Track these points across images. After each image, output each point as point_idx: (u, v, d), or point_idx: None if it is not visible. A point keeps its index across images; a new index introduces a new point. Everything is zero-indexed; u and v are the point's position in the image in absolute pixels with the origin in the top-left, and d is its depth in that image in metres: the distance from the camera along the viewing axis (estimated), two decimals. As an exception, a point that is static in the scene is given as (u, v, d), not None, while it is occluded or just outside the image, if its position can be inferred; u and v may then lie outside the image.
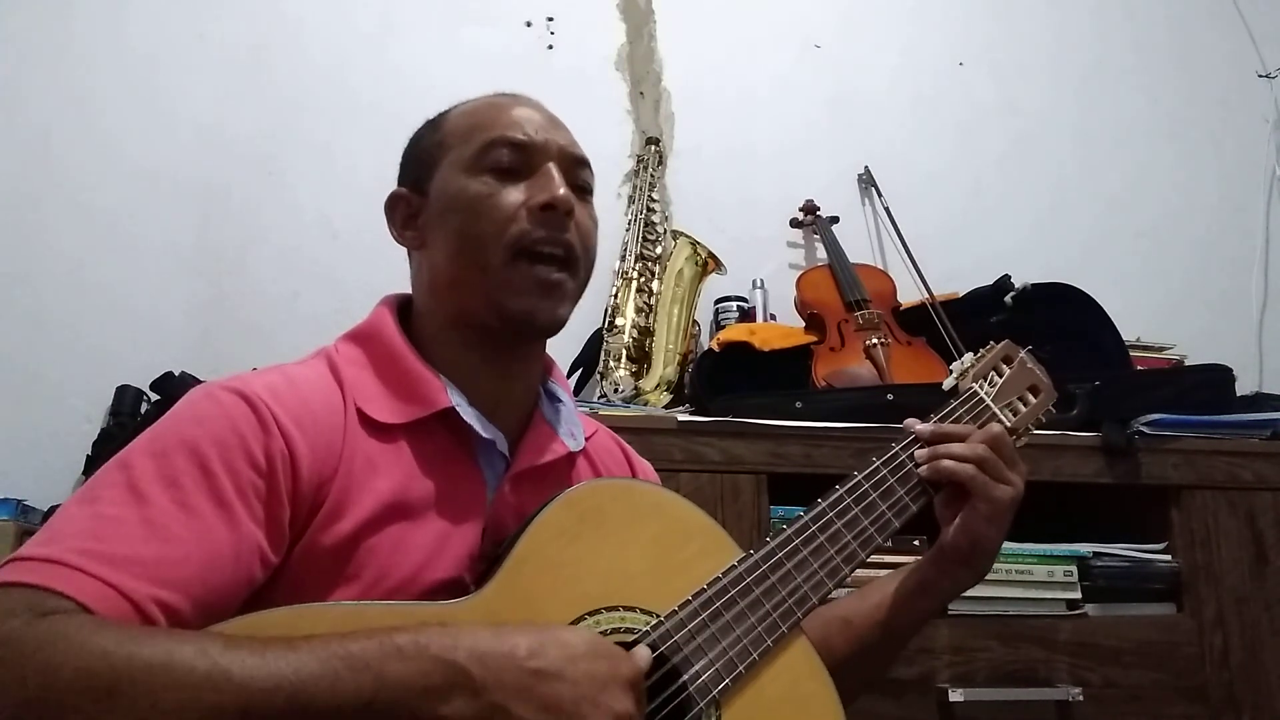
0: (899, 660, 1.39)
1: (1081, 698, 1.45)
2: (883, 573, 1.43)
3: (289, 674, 0.63)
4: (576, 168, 0.96)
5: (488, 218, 0.90)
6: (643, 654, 0.78)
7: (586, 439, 1.03)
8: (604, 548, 0.85)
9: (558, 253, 0.91)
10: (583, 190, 0.97)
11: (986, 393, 1.10)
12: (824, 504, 0.96)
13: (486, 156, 0.93)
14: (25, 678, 0.60)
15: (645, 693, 0.77)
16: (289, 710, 0.62)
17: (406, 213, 0.98)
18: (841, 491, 0.98)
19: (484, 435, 0.90)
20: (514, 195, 0.91)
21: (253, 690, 0.62)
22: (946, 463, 0.99)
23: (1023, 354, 1.17)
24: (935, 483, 1.00)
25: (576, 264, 0.94)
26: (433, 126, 1.00)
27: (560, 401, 1.02)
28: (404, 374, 0.91)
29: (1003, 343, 1.17)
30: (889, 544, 1.00)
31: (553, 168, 0.93)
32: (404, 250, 1.02)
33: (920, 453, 1.01)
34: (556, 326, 0.94)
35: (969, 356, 1.14)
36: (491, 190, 0.91)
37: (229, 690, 0.62)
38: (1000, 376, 1.13)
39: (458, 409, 0.89)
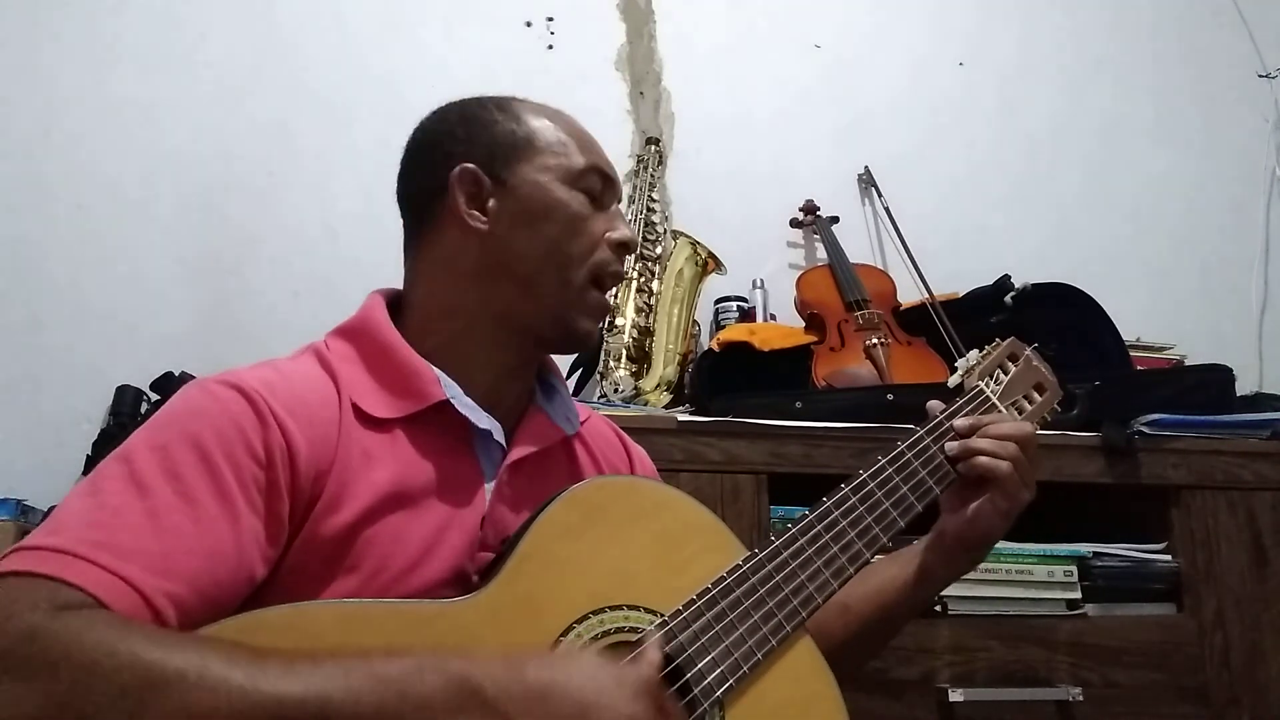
0: (898, 657, 1.41)
1: (1081, 698, 1.44)
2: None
3: (316, 687, 0.65)
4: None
5: (581, 238, 0.95)
6: (650, 651, 0.78)
7: (580, 424, 1.04)
8: (608, 546, 0.86)
9: (612, 287, 1.01)
10: None
11: (992, 390, 1.10)
12: (828, 503, 0.96)
13: (585, 179, 0.96)
14: (58, 675, 0.61)
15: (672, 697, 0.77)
16: None
17: (477, 193, 0.94)
18: (846, 490, 0.98)
19: (480, 426, 0.91)
20: (599, 224, 0.97)
21: (281, 702, 0.63)
22: (982, 460, 1.01)
23: (1028, 352, 1.17)
24: (967, 476, 1.02)
25: None
26: (509, 116, 0.98)
27: (555, 389, 1.04)
28: (397, 368, 0.91)
29: (1008, 340, 1.17)
30: (891, 545, 0.99)
31: (619, 209, 1.00)
32: (402, 250, 1.01)
33: (952, 445, 1.03)
34: (593, 346, 1.01)
35: (974, 354, 1.14)
36: (587, 214, 0.96)
37: (258, 700, 0.63)
38: (1005, 374, 1.13)
39: (452, 401, 0.90)
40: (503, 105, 0.99)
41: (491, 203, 0.94)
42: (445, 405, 0.90)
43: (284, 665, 0.65)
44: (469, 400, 0.91)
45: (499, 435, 0.93)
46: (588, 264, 0.94)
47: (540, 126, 0.97)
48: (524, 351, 0.98)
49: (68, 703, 0.60)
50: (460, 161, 0.95)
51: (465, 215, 0.94)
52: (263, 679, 0.64)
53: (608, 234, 0.96)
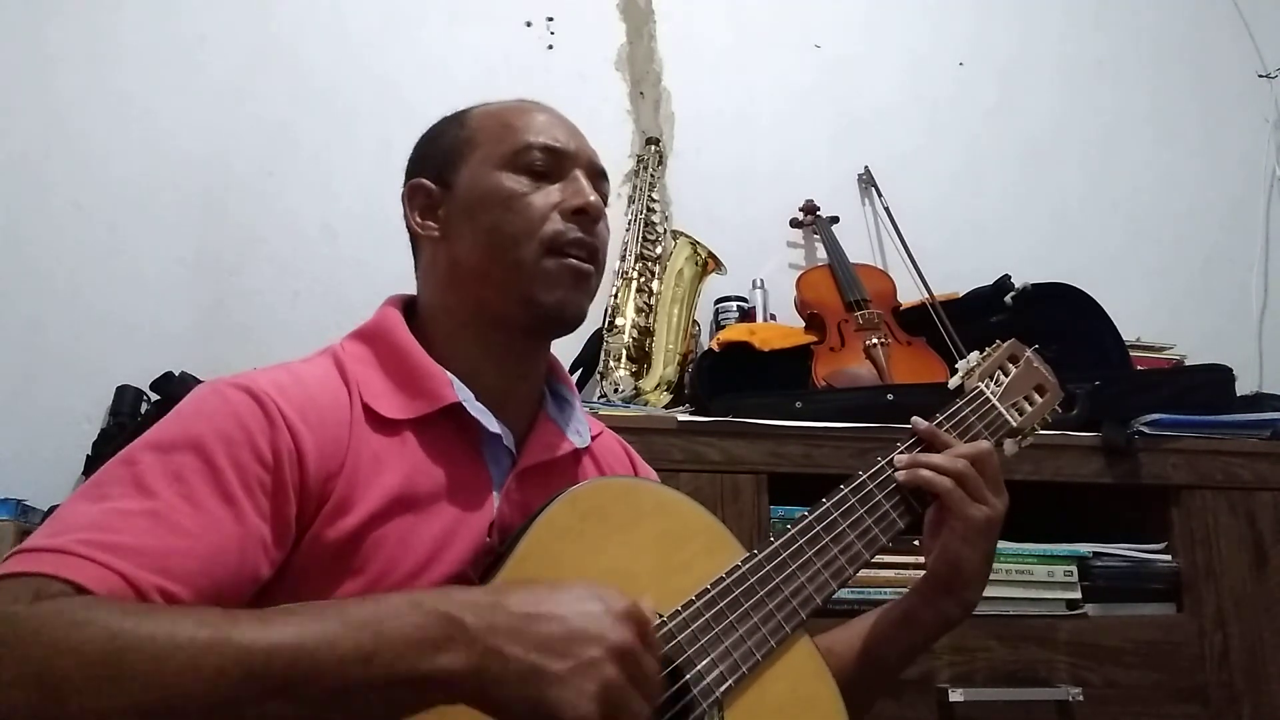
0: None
1: (1081, 698, 1.44)
2: (886, 573, 1.45)
3: (290, 636, 0.63)
4: (598, 179, 1.00)
5: (523, 215, 0.93)
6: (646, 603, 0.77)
7: (592, 439, 1.04)
8: (607, 546, 0.86)
9: (584, 254, 0.94)
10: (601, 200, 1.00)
11: (993, 392, 1.10)
12: (828, 504, 0.96)
13: (522, 157, 0.95)
14: (27, 655, 0.60)
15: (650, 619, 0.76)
16: (291, 669, 0.62)
17: (426, 203, 0.99)
18: (846, 491, 0.98)
19: (491, 430, 0.91)
20: (547, 196, 0.94)
21: (254, 652, 0.62)
22: (924, 473, 0.99)
23: (1029, 353, 1.17)
24: (916, 493, 1.00)
25: (600, 265, 0.97)
26: (457, 123, 1.01)
27: (567, 401, 1.04)
28: (411, 370, 0.92)
29: (1009, 341, 1.17)
30: (890, 544, 0.99)
31: (581, 174, 0.96)
32: (404, 250, 1.03)
33: (900, 458, 1.01)
34: (580, 319, 0.96)
35: (974, 355, 1.14)
36: (526, 190, 0.94)
37: (231, 653, 0.62)
38: (1006, 375, 1.13)
39: (464, 404, 0.90)
40: (458, 115, 1.02)
41: (442, 210, 0.98)
42: (456, 409, 0.90)
43: (257, 619, 0.64)
44: (480, 405, 0.92)
45: (509, 441, 0.93)
46: (536, 239, 0.92)
47: (480, 123, 0.99)
48: (514, 345, 0.96)
49: (38, 680, 0.60)
50: (417, 179, 1.00)
51: (418, 227, 0.99)
52: (234, 633, 0.62)
53: (561, 204, 0.94)
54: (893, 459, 1.01)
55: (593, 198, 0.95)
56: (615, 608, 0.71)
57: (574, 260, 0.93)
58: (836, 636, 1.05)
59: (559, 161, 0.96)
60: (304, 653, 0.63)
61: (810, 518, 0.95)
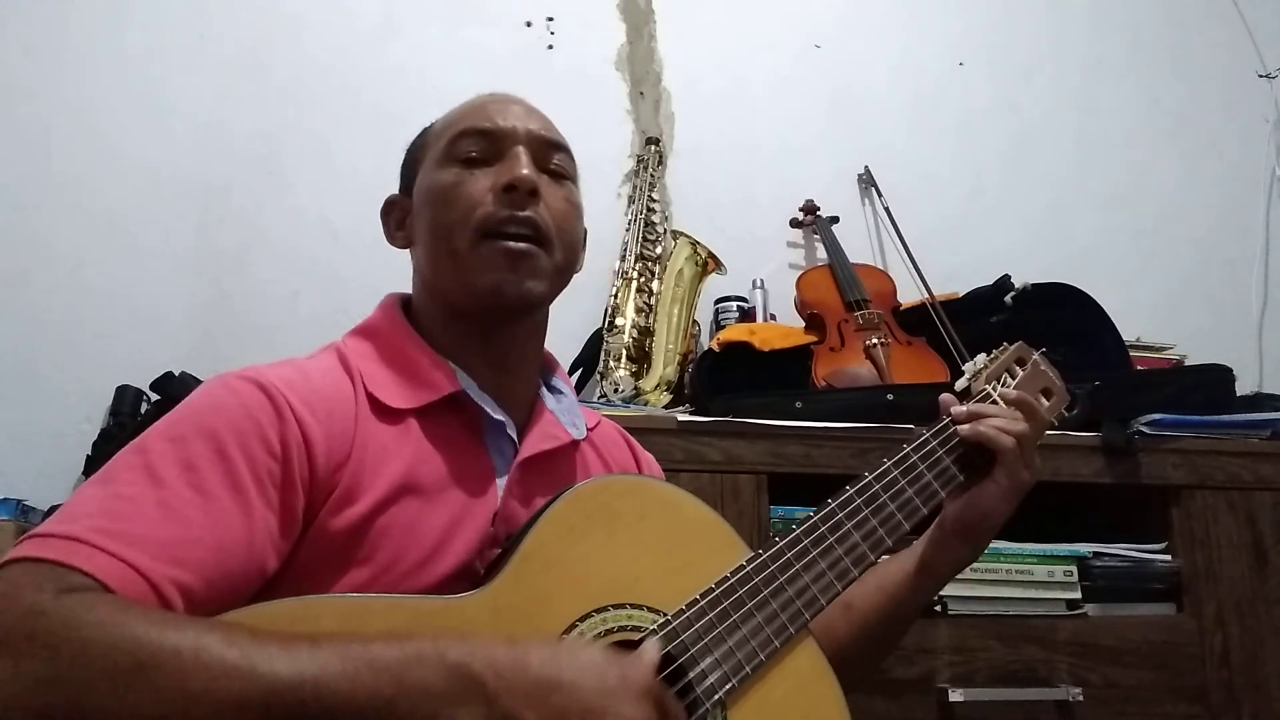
0: (898, 657, 1.41)
1: (1081, 698, 1.44)
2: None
3: (313, 670, 0.64)
4: (549, 151, 0.98)
5: (456, 205, 0.93)
6: (649, 651, 0.78)
7: (590, 430, 1.05)
8: (612, 544, 0.85)
9: (524, 231, 0.92)
10: (557, 174, 0.98)
11: (1000, 395, 1.09)
12: (834, 504, 0.96)
13: (455, 148, 0.96)
14: (56, 651, 0.61)
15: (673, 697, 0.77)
16: (310, 705, 0.63)
17: (399, 216, 1.03)
18: (851, 492, 0.97)
19: (495, 417, 0.92)
20: (481, 181, 0.94)
21: (276, 683, 0.63)
22: (988, 429, 1.01)
23: (1036, 356, 1.16)
24: (973, 444, 1.02)
25: (548, 242, 0.94)
26: (422, 133, 1.04)
27: (562, 394, 1.05)
28: (413, 362, 0.93)
29: (1016, 344, 1.17)
30: (895, 547, 0.99)
31: (521, 151, 0.95)
32: (406, 250, 1.04)
33: (960, 411, 1.04)
34: (525, 300, 0.93)
35: (982, 357, 1.14)
36: (459, 179, 0.94)
37: (253, 680, 0.62)
38: (1013, 379, 1.13)
39: (467, 391, 0.91)
40: (430, 126, 1.04)
41: (407, 219, 1.01)
42: (459, 397, 0.91)
43: (281, 647, 0.65)
44: (483, 394, 0.93)
45: (511, 430, 0.94)
46: (470, 226, 0.91)
47: (434, 128, 1.01)
48: (487, 336, 0.96)
49: (61, 680, 0.60)
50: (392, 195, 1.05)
51: (392, 241, 1.04)
52: (259, 659, 0.63)
53: (494, 184, 0.92)
54: (905, 457, 1.02)
55: (523, 171, 0.92)
56: (634, 685, 0.72)
57: (508, 242, 0.91)
58: (853, 591, 1.04)
59: (494, 143, 0.95)
60: (325, 691, 0.64)
61: (816, 518, 0.94)
